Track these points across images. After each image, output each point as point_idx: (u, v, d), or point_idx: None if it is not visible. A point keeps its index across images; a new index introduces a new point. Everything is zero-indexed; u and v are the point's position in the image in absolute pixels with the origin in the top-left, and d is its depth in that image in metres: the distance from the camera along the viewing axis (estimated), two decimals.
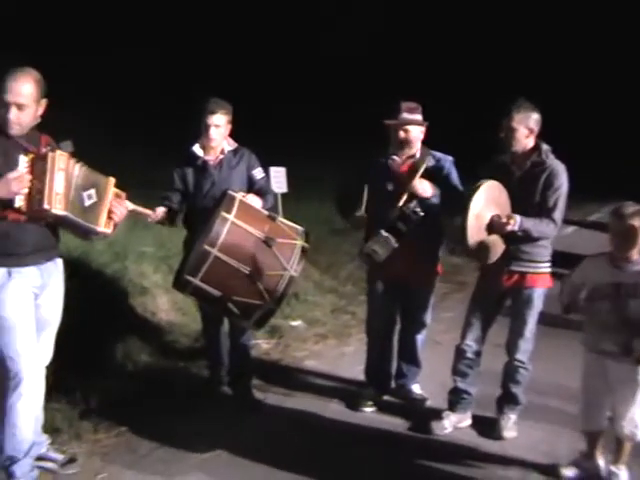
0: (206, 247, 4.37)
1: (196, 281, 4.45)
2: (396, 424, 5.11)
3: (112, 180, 4.13)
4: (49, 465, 4.36)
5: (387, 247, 4.82)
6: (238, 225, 4.46)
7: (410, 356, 5.47)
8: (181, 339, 6.58)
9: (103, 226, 4.08)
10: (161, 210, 5.03)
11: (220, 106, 5.11)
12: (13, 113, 3.87)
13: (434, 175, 5.07)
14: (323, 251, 8.26)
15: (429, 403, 5.41)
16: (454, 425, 5.08)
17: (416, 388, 5.50)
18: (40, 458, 4.31)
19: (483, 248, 4.68)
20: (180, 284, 4.65)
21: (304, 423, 5.12)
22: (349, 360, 5.81)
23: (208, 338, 5.58)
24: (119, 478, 4.37)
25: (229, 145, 5.25)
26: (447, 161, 5.20)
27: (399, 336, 5.48)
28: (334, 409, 5.34)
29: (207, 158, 5.18)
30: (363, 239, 5.18)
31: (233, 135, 5.30)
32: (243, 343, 5.40)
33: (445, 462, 4.63)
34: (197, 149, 5.18)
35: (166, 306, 7.15)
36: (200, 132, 5.15)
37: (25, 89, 3.88)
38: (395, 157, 5.16)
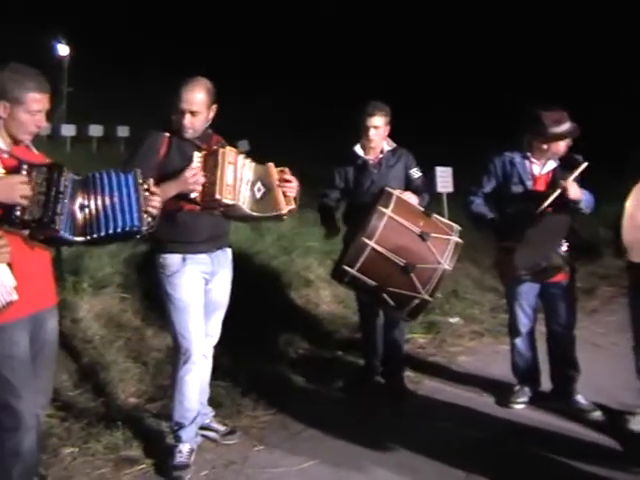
0: (364, 239, 4.53)
1: (353, 271, 4.62)
2: (547, 422, 5.08)
3: (271, 165, 4.41)
4: (212, 434, 4.78)
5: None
6: (395, 219, 4.59)
7: (566, 358, 5.39)
8: (341, 330, 6.88)
9: (286, 207, 4.35)
10: None
11: (379, 108, 5.35)
12: (187, 119, 4.27)
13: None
14: (486, 250, 8.27)
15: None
16: None
17: (580, 399, 5.31)
18: (204, 427, 4.75)
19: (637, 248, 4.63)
20: (338, 274, 4.86)
21: (453, 415, 5.22)
22: (503, 358, 5.82)
23: (364, 329, 5.82)
24: (273, 451, 4.67)
25: (388, 145, 5.48)
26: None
27: (547, 337, 5.45)
28: (484, 403, 5.40)
29: (367, 157, 5.44)
30: None
31: (391, 136, 5.51)
32: (397, 335, 5.62)
33: (593, 463, 4.54)
34: (358, 149, 5.46)
35: (328, 298, 7.48)
36: (360, 133, 5.41)
37: (198, 97, 4.27)
38: (534, 159, 5.16)
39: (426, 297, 4.61)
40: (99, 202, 3.51)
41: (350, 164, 5.48)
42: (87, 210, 3.49)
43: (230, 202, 4.16)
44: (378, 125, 5.33)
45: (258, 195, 4.29)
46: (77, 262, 6.14)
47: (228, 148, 4.25)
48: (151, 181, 3.72)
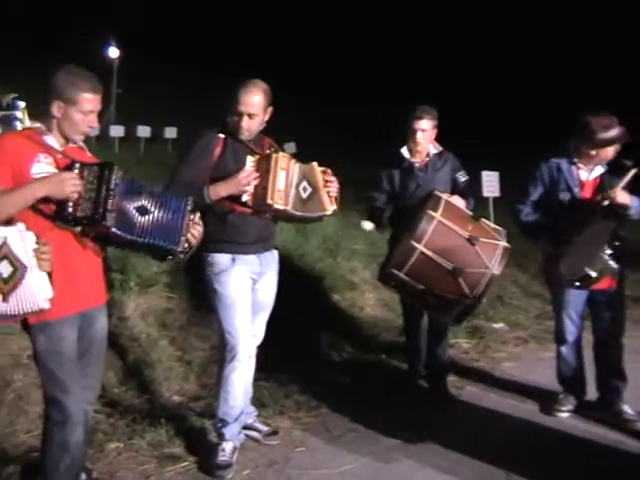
0: (413, 243, 4.53)
1: (401, 275, 4.62)
2: (591, 431, 5.02)
3: (315, 164, 4.44)
4: (254, 434, 4.81)
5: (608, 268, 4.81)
6: (444, 223, 4.58)
7: (613, 367, 5.30)
8: (384, 333, 6.86)
9: (330, 207, 4.42)
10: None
11: (427, 112, 5.32)
12: (244, 121, 4.32)
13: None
14: (532, 256, 8.20)
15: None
16: None
17: (627, 408, 5.21)
18: (247, 427, 4.77)
19: None
20: (385, 277, 4.85)
21: (496, 421, 5.17)
22: (547, 365, 5.76)
23: (409, 333, 5.79)
24: (314, 452, 4.69)
25: (434, 149, 5.46)
26: None
27: (594, 345, 5.37)
28: (528, 410, 5.35)
29: (413, 160, 5.42)
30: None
31: (437, 139, 5.49)
32: (441, 339, 5.58)
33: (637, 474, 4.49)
34: (405, 152, 5.44)
35: (373, 301, 7.48)
36: (406, 136, 5.39)
37: (255, 100, 4.31)
38: (581, 165, 5.09)
39: (473, 302, 4.59)
40: (155, 211, 3.59)
41: (396, 167, 5.46)
42: (143, 213, 3.56)
43: (281, 207, 4.21)
44: (426, 128, 5.31)
45: (304, 195, 4.32)
46: (124, 261, 6.21)
47: (281, 154, 4.29)
48: (197, 215, 3.79)
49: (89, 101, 3.51)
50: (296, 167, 4.30)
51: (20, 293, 2.73)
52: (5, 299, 2.68)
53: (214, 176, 4.28)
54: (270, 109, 4.43)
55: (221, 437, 4.49)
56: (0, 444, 4.47)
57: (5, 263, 2.76)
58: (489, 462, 4.50)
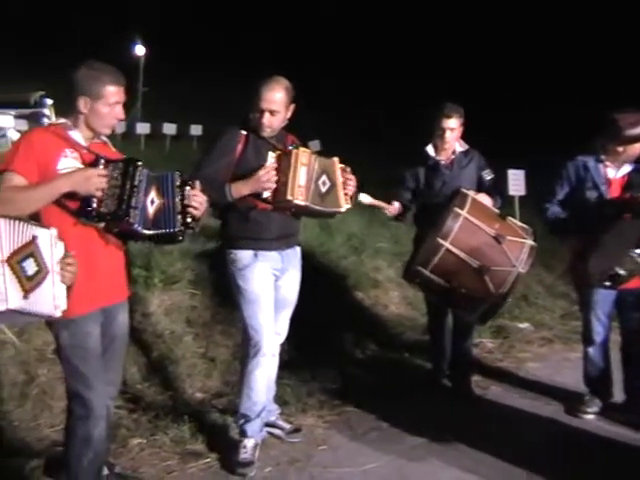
0: (439, 240, 4.50)
1: (426, 272, 4.59)
2: (617, 433, 4.94)
3: (336, 160, 4.42)
4: (277, 431, 4.80)
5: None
6: (470, 221, 4.56)
7: None
8: (408, 332, 6.83)
9: (344, 205, 4.40)
10: (397, 204, 5.28)
11: (455, 110, 5.28)
12: (266, 118, 4.31)
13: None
14: (559, 256, 8.12)
15: None
16: None
17: None
18: (270, 425, 4.76)
19: None
20: (410, 275, 4.83)
21: (520, 421, 5.12)
22: (573, 366, 5.70)
23: (433, 332, 5.76)
24: (337, 451, 4.66)
25: (460, 147, 5.41)
26: None
27: (621, 346, 5.31)
28: (552, 411, 5.28)
29: (439, 158, 5.37)
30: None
31: (463, 137, 5.44)
32: (465, 338, 5.55)
33: None
34: (430, 149, 5.39)
35: (397, 300, 7.45)
36: (432, 133, 5.34)
37: (277, 97, 4.30)
38: (608, 163, 5.03)
39: (498, 300, 4.55)
40: (165, 200, 3.59)
41: (421, 164, 5.43)
42: (157, 205, 3.57)
43: (302, 203, 4.21)
44: (454, 127, 5.26)
45: (323, 189, 4.31)
46: (148, 257, 6.23)
47: (302, 149, 4.28)
48: (197, 183, 3.74)
49: (114, 93, 3.54)
50: (317, 162, 4.29)
51: (38, 294, 2.73)
52: (26, 296, 2.68)
53: (236, 172, 4.28)
54: (292, 106, 4.43)
55: (243, 434, 4.48)
56: (24, 438, 4.50)
57: (31, 261, 2.76)
58: (512, 462, 4.45)
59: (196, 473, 4.33)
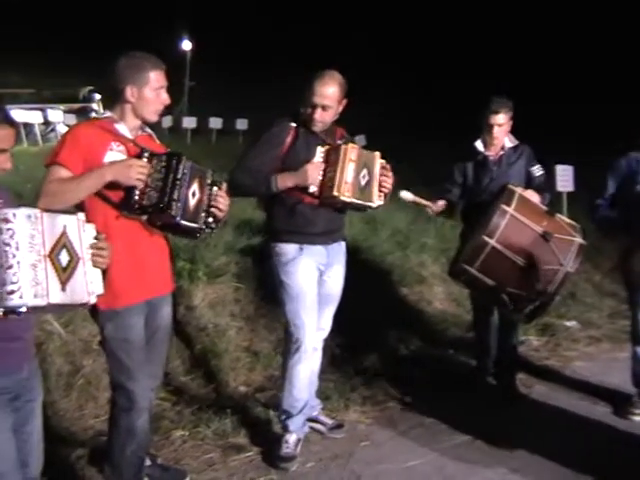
0: (485, 238, 4.43)
1: (472, 270, 4.53)
2: None
3: (378, 154, 4.37)
4: (319, 427, 4.79)
5: None
6: (517, 218, 4.47)
7: None
8: (452, 328, 6.76)
9: (376, 202, 4.35)
10: (441, 202, 5.23)
11: (504, 105, 5.18)
12: (318, 113, 4.28)
13: None
14: (607, 254, 7.99)
15: None
16: None
17: None
18: (312, 420, 4.75)
19: None
20: (456, 272, 4.78)
21: (566, 422, 5.02)
22: (622, 366, 5.56)
23: (478, 329, 5.69)
24: (379, 447, 4.64)
25: (510, 142, 5.31)
26: None
27: None
28: (599, 412, 5.17)
29: (488, 154, 5.29)
30: None
31: (513, 131, 5.34)
32: (511, 336, 5.46)
33: None
34: (479, 144, 5.31)
35: (441, 296, 7.38)
36: (481, 128, 5.27)
37: (330, 91, 4.26)
38: None
39: (545, 300, 4.47)
40: (202, 195, 3.61)
41: (470, 159, 5.35)
42: (197, 199, 3.59)
43: (348, 200, 4.18)
44: (502, 123, 5.17)
45: (363, 182, 4.27)
46: (193, 251, 6.26)
47: (350, 145, 4.25)
48: (224, 185, 3.77)
49: (157, 78, 3.59)
50: (362, 155, 4.27)
51: (72, 283, 2.75)
52: (64, 288, 2.69)
53: (284, 166, 4.26)
54: (344, 101, 4.38)
55: (285, 429, 4.48)
56: (69, 428, 4.56)
57: (64, 252, 2.78)
58: (558, 463, 4.38)
59: (238, 466, 4.33)
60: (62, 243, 2.74)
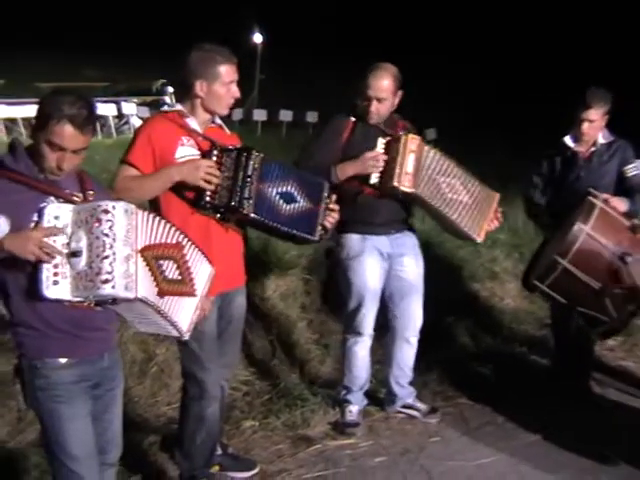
0: (557, 257, 4.27)
1: (543, 287, 4.44)
2: None
3: (497, 196, 4.44)
4: (414, 413, 4.87)
5: None
6: (593, 237, 4.23)
7: None
8: (525, 326, 6.65)
9: (478, 235, 4.39)
10: None
11: (598, 99, 4.81)
12: (373, 106, 4.32)
13: None
14: None
15: None
16: None
17: None
18: (408, 406, 4.87)
19: None
20: (528, 286, 4.73)
21: None
22: None
23: (556, 329, 5.54)
24: (449, 443, 4.61)
25: (603, 138, 4.95)
26: None
27: None
28: None
29: (577, 149, 4.96)
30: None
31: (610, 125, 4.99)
32: (588, 336, 5.32)
33: None
34: (568, 140, 4.98)
35: (514, 292, 7.24)
36: (574, 122, 4.90)
37: (385, 84, 4.30)
38: None
39: (618, 325, 4.34)
40: (300, 199, 3.65)
41: (558, 154, 5.04)
42: (289, 201, 3.61)
43: (408, 190, 4.18)
44: (594, 119, 4.81)
45: (450, 194, 4.28)
46: (265, 243, 6.29)
47: (411, 136, 4.26)
48: (333, 197, 3.81)
49: (229, 72, 3.58)
50: (440, 156, 4.29)
51: (176, 303, 2.82)
52: (160, 295, 2.75)
53: (345, 158, 4.30)
54: (400, 93, 4.40)
55: (346, 402, 4.66)
56: (143, 414, 4.65)
57: (171, 264, 2.84)
58: (634, 466, 4.28)
59: (306, 458, 4.36)
60: (169, 254, 2.81)
